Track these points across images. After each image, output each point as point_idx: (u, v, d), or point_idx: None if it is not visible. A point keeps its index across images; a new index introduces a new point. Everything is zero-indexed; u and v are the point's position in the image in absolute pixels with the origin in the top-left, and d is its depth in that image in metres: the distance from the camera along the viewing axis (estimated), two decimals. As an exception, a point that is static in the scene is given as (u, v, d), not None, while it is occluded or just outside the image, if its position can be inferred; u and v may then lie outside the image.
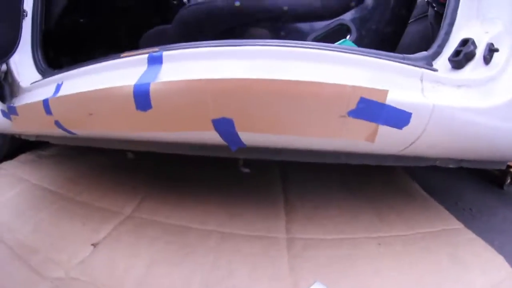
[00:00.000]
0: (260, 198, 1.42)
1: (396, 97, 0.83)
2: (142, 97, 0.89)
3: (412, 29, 1.35)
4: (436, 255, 1.09)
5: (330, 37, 1.23)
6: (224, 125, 0.89)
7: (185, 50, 0.92)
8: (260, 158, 1.08)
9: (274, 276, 1.05)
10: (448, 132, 0.92)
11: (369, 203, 1.34)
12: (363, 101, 0.82)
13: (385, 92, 0.82)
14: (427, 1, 1.19)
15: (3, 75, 1.42)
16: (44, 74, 1.41)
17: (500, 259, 1.06)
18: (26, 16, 1.37)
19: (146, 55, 0.96)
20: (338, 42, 1.18)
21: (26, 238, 1.29)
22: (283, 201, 1.38)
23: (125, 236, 1.23)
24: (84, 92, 1.03)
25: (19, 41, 1.27)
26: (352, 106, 0.83)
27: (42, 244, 1.25)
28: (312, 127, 0.92)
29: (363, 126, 0.86)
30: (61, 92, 1.16)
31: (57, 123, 1.22)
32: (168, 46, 0.98)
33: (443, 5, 1.02)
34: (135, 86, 0.90)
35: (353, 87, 0.81)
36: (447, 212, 1.31)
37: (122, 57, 1.06)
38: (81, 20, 1.73)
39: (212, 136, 0.94)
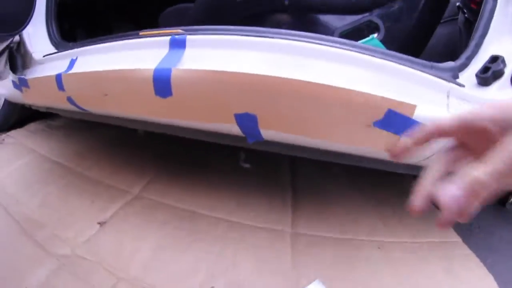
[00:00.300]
0: (268, 189, 1.40)
1: (423, 112, 0.78)
2: (162, 83, 0.84)
3: (440, 31, 1.28)
4: (432, 266, 1.08)
5: (356, 33, 1.17)
6: (246, 120, 0.85)
7: (211, 37, 0.86)
8: (276, 151, 1.04)
9: (278, 271, 1.04)
10: None
11: (373, 205, 1.32)
12: (390, 113, 0.78)
13: (413, 107, 0.78)
14: (458, 6, 1.12)
15: (15, 46, 1.36)
16: (58, 46, 1.35)
17: (490, 279, 1.05)
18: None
19: (168, 38, 0.90)
20: (365, 40, 1.12)
21: (33, 213, 1.26)
22: (291, 194, 1.35)
23: (133, 217, 1.21)
24: (100, 72, 0.98)
25: (33, 12, 1.20)
26: (379, 116, 0.79)
27: (49, 219, 1.23)
28: (337, 133, 0.88)
29: (385, 136, 0.82)
30: (75, 69, 1.11)
31: (69, 99, 1.18)
32: (191, 28, 0.92)
33: (474, 12, 0.96)
34: (156, 70, 0.85)
35: (383, 98, 0.77)
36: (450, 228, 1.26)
37: (141, 36, 1.00)
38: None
39: (231, 128, 0.90)
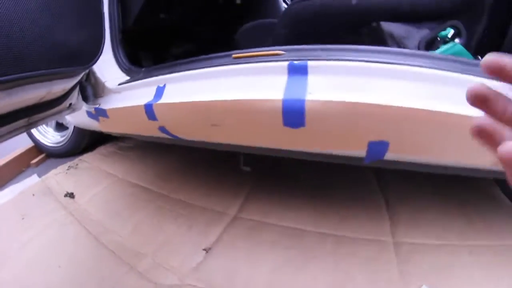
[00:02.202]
0: (362, 199, 1.29)
1: None
2: (294, 114, 0.72)
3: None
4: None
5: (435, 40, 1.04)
6: (379, 147, 0.73)
7: (335, 63, 0.73)
8: (381, 167, 0.92)
9: (388, 281, 0.95)
10: None
11: (459, 209, 1.21)
12: None
13: None
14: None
15: (85, 77, 1.24)
16: (129, 73, 1.23)
17: None
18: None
19: (285, 64, 0.78)
20: (447, 46, 0.99)
21: (127, 241, 1.15)
22: (384, 204, 1.24)
23: (239, 241, 1.09)
24: (207, 102, 0.85)
25: (104, 43, 1.08)
26: None
27: (147, 248, 1.11)
28: (456, 152, 0.79)
29: (492, 154, 0.72)
30: (168, 98, 0.99)
31: (161, 129, 1.06)
32: (293, 48, 0.80)
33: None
34: (285, 101, 0.73)
35: None
36: None
37: (236, 60, 0.88)
38: (161, 16, 1.51)
39: (356, 152, 0.78)
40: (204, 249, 1.05)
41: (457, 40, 1.07)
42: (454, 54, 0.94)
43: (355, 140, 0.75)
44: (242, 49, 0.89)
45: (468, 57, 0.91)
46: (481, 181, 1.35)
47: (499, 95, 0.23)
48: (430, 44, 1.07)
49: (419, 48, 1.04)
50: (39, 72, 0.81)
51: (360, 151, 0.76)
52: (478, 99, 0.23)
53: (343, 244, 1.05)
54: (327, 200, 1.26)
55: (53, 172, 1.63)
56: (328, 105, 0.69)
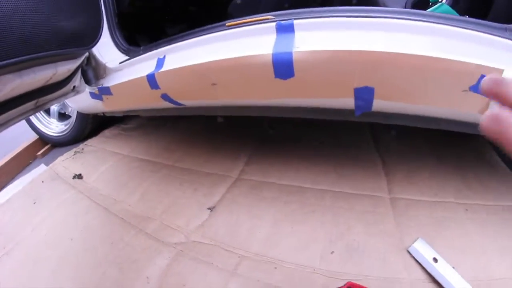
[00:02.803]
0: (360, 158, 1.37)
1: (508, 75, 0.74)
2: (283, 66, 0.80)
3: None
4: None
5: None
6: (364, 93, 0.81)
7: (320, 20, 0.81)
8: (373, 121, 0.99)
9: (384, 232, 1.02)
10: None
11: (456, 169, 1.28)
12: (482, 78, 0.74)
13: (501, 71, 0.73)
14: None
15: (85, 61, 1.31)
16: (128, 53, 1.29)
17: None
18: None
19: (273, 24, 0.84)
20: (435, 7, 1.06)
21: (136, 208, 1.23)
22: (381, 163, 1.33)
23: (241, 198, 1.18)
24: (205, 63, 0.93)
25: (102, 26, 1.15)
26: (473, 82, 0.77)
27: (154, 212, 1.19)
28: (438, 98, 0.86)
29: (478, 99, 0.80)
30: (168, 65, 1.06)
31: (164, 96, 1.13)
32: (291, 13, 0.87)
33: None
34: (274, 55, 0.80)
35: (477, 65, 0.75)
36: None
37: (228, 26, 0.94)
38: (154, -3, 1.57)
39: (342, 102, 0.85)
40: (209, 208, 1.12)
41: (444, 1, 1.14)
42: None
43: (341, 87, 0.82)
44: (235, 20, 0.95)
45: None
46: (479, 146, 1.41)
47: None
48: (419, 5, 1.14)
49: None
50: (45, 53, 0.89)
51: (348, 100, 0.83)
52: (492, 91, 0.24)
53: (341, 199, 1.14)
54: (325, 160, 1.35)
55: (60, 159, 1.71)
56: (313, 54, 0.77)
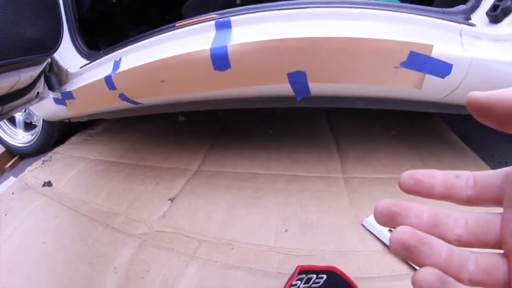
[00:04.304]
0: (314, 144, 1.58)
1: (440, 51, 0.96)
2: (220, 59, 1.01)
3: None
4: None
5: None
6: (298, 77, 1.02)
7: (252, 15, 1.03)
8: (318, 106, 1.21)
9: (338, 209, 1.21)
10: (484, 82, 1.01)
11: (411, 148, 1.48)
12: (412, 54, 0.97)
13: (430, 46, 0.96)
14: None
15: (48, 67, 1.51)
16: (89, 57, 1.51)
17: None
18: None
19: (213, 22, 1.07)
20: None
21: (103, 206, 1.43)
22: (335, 146, 1.54)
23: (199, 188, 1.39)
24: (155, 61, 1.15)
25: (63, 32, 1.34)
26: (404, 58, 0.97)
27: (120, 208, 1.39)
28: (371, 76, 1.06)
29: (413, 75, 1.00)
30: (123, 67, 1.27)
31: (121, 96, 1.34)
32: (225, 12, 1.09)
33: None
34: (212, 49, 1.02)
35: (405, 42, 0.95)
36: (483, 162, 1.42)
37: (178, 27, 1.17)
38: (113, 1, 1.80)
39: (282, 88, 1.07)
40: (169, 199, 1.34)
41: None
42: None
43: (275, 73, 1.04)
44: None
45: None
46: (435, 126, 1.63)
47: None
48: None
49: None
50: (10, 60, 1.07)
51: (285, 85, 1.05)
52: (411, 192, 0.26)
53: (294, 181, 1.34)
54: (280, 147, 1.57)
55: (28, 169, 1.91)
56: (245, 46, 0.99)
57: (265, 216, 1.20)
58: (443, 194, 0.26)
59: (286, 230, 1.15)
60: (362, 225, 1.13)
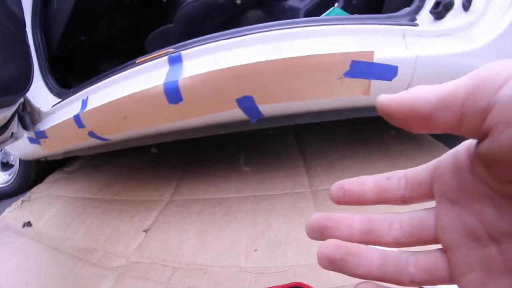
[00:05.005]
0: (282, 162, 1.71)
1: (382, 55, 1.07)
2: (172, 93, 1.15)
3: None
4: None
5: (321, 6, 1.49)
6: (246, 102, 1.16)
7: (199, 47, 1.18)
8: (277, 125, 1.35)
9: (305, 223, 1.32)
10: (434, 78, 1.10)
11: (380, 151, 1.61)
12: (354, 63, 1.08)
13: (371, 53, 1.08)
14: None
15: (21, 107, 1.65)
16: (60, 95, 1.65)
17: None
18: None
19: (166, 57, 1.22)
20: (328, 11, 1.43)
21: (81, 243, 1.55)
22: (302, 162, 1.66)
23: (171, 218, 1.51)
24: (116, 100, 1.29)
25: (33, 72, 1.44)
26: (346, 68, 1.09)
27: (98, 243, 1.51)
28: (317, 90, 1.18)
29: (358, 83, 1.11)
30: (90, 105, 1.41)
31: (90, 134, 1.48)
32: (180, 45, 1.24)
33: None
34: (165, 84, 1.16)
35: (344, 53, 1.07)
36: None
37: (139, 63, 1.31)
38: (82, 38, 1.96)
39: (235, 114, 1.20)
40: (144, 231, 1.46)
41: (336, 5, 1.52)
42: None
43: (224, 101, 1.17)
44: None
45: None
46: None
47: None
48: (313, 13, 1.51)
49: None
50: None
51: (236, 111, 1.18)
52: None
53: (262, 201, 1.47)
54: (252, 171, 1.69)
55: (7, 210, 2.04)
56: (193, 79, 1.13)
57: (234, 238, 1.32)
58: (376, 199, 0.27)
59: (256, 250, 1.27)
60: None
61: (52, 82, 1.71)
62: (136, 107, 1.27)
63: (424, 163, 0.29)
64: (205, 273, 1.24)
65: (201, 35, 1.23)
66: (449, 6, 1.09)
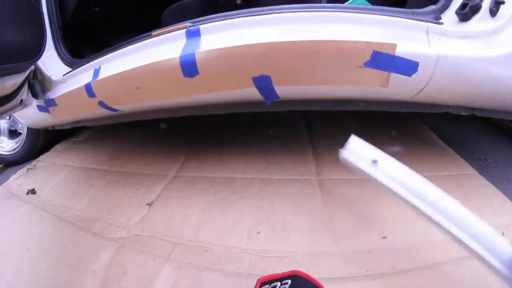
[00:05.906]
0: (291, 148, 1.71)
1: (404, 49, 1.06)
2: (189, 66, 1.13)
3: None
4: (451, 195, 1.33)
5: None
6: (263, 81, 1.14)
7: (219, 22, 1.16)
8: (290, 109, 1.33)
9: (311, 210, 1.31)
10: (454, 79, 1.10)
11: (386, 146, 1.58)
12: (375, 53, 1.06)
13: (394, 45, 1.06)
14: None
15: (32, 74, 1.63)
16: (72, 65, 1.64)
17: (510, 204, 1.22)
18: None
19: (184, 30, 1.20)
20: (351, 0, 1.40)
21: (84, 212, 1.55)
22: (311, 149, 1.66)
23: (176, 193, 1.51)
24: (130, 70, 1.27)
25: (46, 39, 1.44)
26: (367, 58, 1.07)
27: (100, 213, 1.51)
28: (336, 77, 1.17)
29: (377, 74, 1.10)
30: (102, 75, 1.40)
31: (101, 103, 1.47)
32: (198, 20, 1.22)
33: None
34: (181, 57, 1.15)
35: (367, 42, 1.05)
36: (462, 160, 1.50)
37: (154, 35, 1.29)
38: (96, 9, 1.95)
39: (250, 93, 1.18)
40: (147, 204, 1.45)
41: None
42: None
43: (240, 78, 1.15)
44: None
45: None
46: (414, 126, 1.73)
47: None
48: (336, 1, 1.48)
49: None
50: None
51: (252, 90, 1.17)
52: None
53: (268, 184, 1.46)
54: (256, 152, 1.70)
55: (13, 177, 2.04)
56: (211, 53, 1.11)
57: (238, 218, 1.31)
58: None
59: (258, 232, 1.26)
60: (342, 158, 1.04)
61: (64, 52, 1.69)
62: (150, 78, 1.25)
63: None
64: (206, 251, 1.23)
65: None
66: (476, 9, 1.07)
